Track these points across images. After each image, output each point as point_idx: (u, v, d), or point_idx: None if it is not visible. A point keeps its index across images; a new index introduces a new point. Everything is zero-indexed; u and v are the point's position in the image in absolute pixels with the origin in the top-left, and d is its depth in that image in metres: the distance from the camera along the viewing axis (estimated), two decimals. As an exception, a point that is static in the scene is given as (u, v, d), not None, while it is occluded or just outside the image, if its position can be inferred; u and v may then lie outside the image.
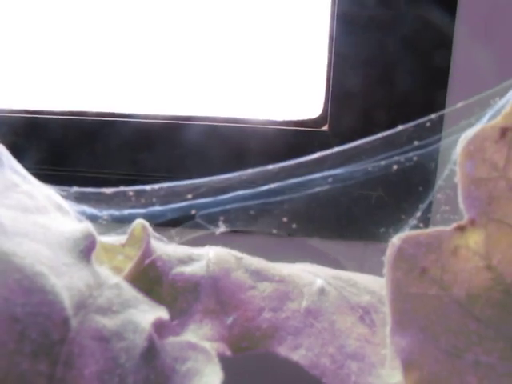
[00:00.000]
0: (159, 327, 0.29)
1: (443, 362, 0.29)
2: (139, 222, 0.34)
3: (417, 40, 0.73)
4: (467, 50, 0.72)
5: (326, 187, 0.40)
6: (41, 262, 0.27)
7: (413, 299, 0.30)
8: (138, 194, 0.39)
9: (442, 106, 0.74)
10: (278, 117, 0.79)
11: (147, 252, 0.33)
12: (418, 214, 0.35)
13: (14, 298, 0.25)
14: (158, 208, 0.39)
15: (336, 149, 0.39)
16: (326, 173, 0.39)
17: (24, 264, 0.26)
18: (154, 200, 0.39)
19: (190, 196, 0.39)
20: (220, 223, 0.39)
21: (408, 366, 0.29)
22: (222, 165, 0.78)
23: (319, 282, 0.36)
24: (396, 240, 0.30)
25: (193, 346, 0.29)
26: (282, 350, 0.32)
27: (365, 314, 0.36)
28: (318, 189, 0.40)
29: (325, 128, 0.77)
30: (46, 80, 0.82)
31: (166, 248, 0.35)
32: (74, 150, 0.79)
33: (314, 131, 0.77)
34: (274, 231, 0.44)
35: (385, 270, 0.30)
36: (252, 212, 0.41)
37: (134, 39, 0.80)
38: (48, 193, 0.34)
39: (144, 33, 0.80)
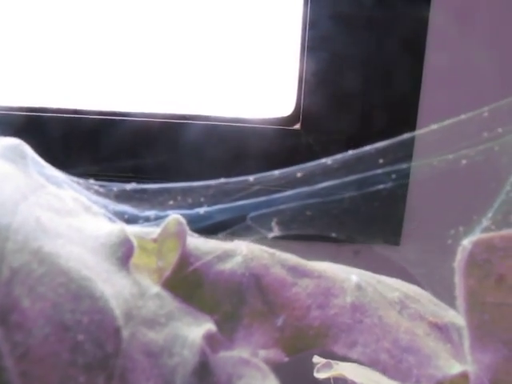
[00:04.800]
0: (210, 341, 0.24)
1: (534, 379, 0.25)
2: (174, 217, 0.28)
3: (392, 37, 0.69)
4: (439, 52, 0.69)
5: (390, 185, 0.35)
6: (86, 266, 0.22)
7: (491, 309, 0.25)
8: (185, 192, 0.34)
9: (416, 106, 0.70)
10: (250, 115, 0.75)
11: (184, 256, 0.28)
12: (489, 214, 0.30)
13: (62, 304, 0.20)
14: (205, 209, 0.34)
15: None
16: (389, 168, 0.34)
17: (69, 267, 0.22)
18: (202, 200, 0.34)
19: (241, 196, 0.34)
20: (273, 225, 0.34)
21: (495, 385, 0.25)
22: (191, 162, 0.73)
23: (354, 278, 0.32)
24: (467, 244, 0.25)
25: (246, 362, 0.25)
26: (338, 349, 0.28)
27: (401, 309, 0.32)
28: (381, 186, 0.35)
29: (297, 126, 0.73)
30: (42, 78, 0.77)
31: (198, 242, 0.30)
32: (70, 150, 0.73)
33: (286, 129, 0.73)
34: (334, 235, 0.39)
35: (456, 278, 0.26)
36: (309, 213, 0.36)
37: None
38: (74, 195, 0.29)
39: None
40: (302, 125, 0.73)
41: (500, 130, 0.32)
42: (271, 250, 0.31)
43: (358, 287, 0.31)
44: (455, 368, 0.28)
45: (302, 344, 0.28)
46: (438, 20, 0.68)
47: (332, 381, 0.44)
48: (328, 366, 0.44)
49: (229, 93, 0.77)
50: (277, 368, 0.27)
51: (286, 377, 0.26)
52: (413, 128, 0.70)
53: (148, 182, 0.72)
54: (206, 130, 0.72)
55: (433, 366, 0.28)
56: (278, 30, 0.75)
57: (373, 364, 0.27)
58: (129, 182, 0.61)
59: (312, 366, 0.45)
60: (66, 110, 0.75)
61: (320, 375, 0.44)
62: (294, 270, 0.30)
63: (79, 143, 0.74)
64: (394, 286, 0.34)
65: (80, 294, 0.21)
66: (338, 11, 0.69)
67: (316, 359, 0.46)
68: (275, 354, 0.27)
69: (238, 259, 0.30)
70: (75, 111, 0.74)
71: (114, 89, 0.77)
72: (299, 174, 0.35)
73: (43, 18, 0.76)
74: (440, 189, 0.68)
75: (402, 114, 0.71)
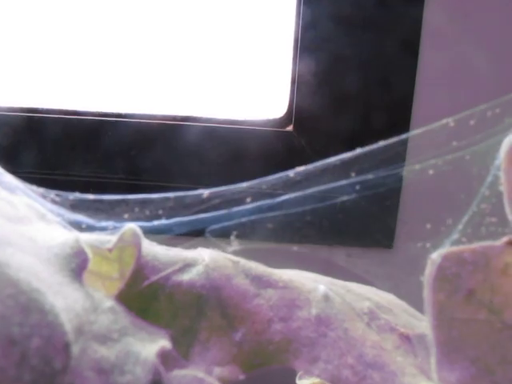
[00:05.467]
0: (163, 358, 0.24)
1: (502, 399, 0.25)
2: (130, 227, 0.28)
3: (386, 38, 0.69)
4: (434, 52, 0.69)
5: (354, 195, 0.35)
6: (37, 277, 0.22)
7: (459, 325, 0.25)
8: (143, 204, 0.33)
9: (410, 107, 0.70)
10: (241, 116, 0.75)
11: (140, 268, 0.28)
12: (460, 226, 0.30)
13: (9, 316, 0.20)
14: (163, 222, 0.33)
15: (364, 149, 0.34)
16: (354, 179, 0.34)
17: (19, 278, 0.21)
18: (161, 212, 0.34)
19: (200, 208, 0.34)
20: (232, 239, 0.33)
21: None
22: (182, 165, 0.73)
23: (322, 288, 0.31)
24: (436, 257, 0.25)
25: (200, 381, 0.24)
26: (300, 365, 0.28)
27: (370, 321, 0.32)
28: (345, 197, 0.35)
29: (289, 128, 0.73)
30: (40, 78, 0.77)
31: (156, 251, 0.30)
32: (66, 152, 0.73)
33: (278, 131, 0.73)
34: (295, 248, 0.39)
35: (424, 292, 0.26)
36: (270, 225, 0.35)
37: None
38: (28, 201, 0.29)
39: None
40: (294, 127, 0.73)
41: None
42: (236, 259, 0.31)
43: (326, 298, 0.31)
44: (420, 385, 0.28)
45: (261, 360, 0.27)
46: (433, 19, 0.68)
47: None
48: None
49: (221, 94, 0.77)
50: (258, 374, 0.27)
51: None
52: (406, 129, 0.70)
53: (140, 184, 0.72)
54: (197, 132, 0.72)
55: (397, 384, 0.28)
56: (270, 31, 0.75)
57: (334, 381, 0.27)
58: (122, 183, 0.60)
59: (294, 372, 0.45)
60: (62, 110, 0.75)
61: (302, 382, 0.44)
62: (258, 280, 0.30)
63: (73, 144, 0.74)
64: (365, 296, 0.34)
65: (29, 306, 0.21)
66: (331, 13, 0.69)
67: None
68: (231, 371, 0.27)
69: (199, 269, 0.29)
70: (70, 112, 0.74)
71: (106, 90, 0.77)
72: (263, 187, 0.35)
73: (43, 18, 0.76)
74: (434, 191, 0.69)
75: (395, 115, 0.71)
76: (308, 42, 0.70)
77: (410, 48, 0.69)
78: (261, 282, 0.30)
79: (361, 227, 0.70)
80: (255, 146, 0.72)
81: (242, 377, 0.27)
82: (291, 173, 0.35)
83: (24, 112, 0.73)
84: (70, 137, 0.74)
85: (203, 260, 0.30)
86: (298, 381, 0.44)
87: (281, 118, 0.74)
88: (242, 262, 0.31)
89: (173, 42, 0.76)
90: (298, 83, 0.71)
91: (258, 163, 0.72)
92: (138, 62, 0.76)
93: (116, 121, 0.73)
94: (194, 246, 0.31)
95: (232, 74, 0.77)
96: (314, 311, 0.30)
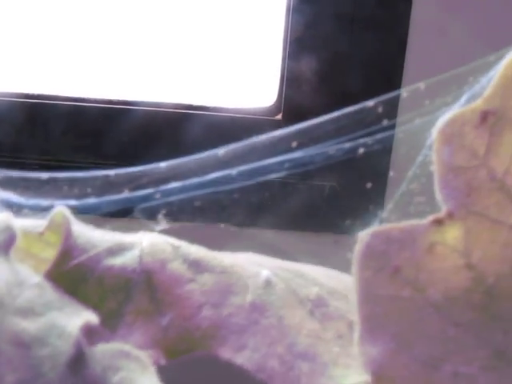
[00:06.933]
0: (88, 332, 0.25)
1: (418, 373, 0.26)
2: (59, 210, 0.29)
3: (372, 26, 0.70)
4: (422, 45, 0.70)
5: (283, 173, 0.36)
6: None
7: (383, 302, 0.26)
8: (71, 182, 0.35)
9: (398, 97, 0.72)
10: (230, 104, 0.77)
11: (67, 250, 0.29)
12: (390, 205, 0.31)
13: None
14: (92, 200, 0.35)
15: (288, 129, 0.35)
16: (281, 157, 0.35)
17: None
18: (89, 190, 0.35)
19: (128, 187, 0.35)
20: (161, 217, 0.35)
21: (378, 379, 0.26)
22: (169, 153, 0.75)
23: (265, 273, 0.32)
24: (364, 235, 0.27)
25: (125, 354, 0.26)
26: (224, 352, 0.29)
27: (314, 308, 0.33)
28: (273, 175, 0.36)
29: (278, 117, 0.75)
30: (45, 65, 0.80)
31: (92, 235, 0.31)
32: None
33: (267, 120, 0.75)
34: (222, 225, 0.40)
35: (352, 269, 0.27)
36: (198, 203, 0.37)
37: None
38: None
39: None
40: (283, 115, 0.75)
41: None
42: (178, 243, 0.32)
43: (267, 283, 0.32)
44: (350, 378, 0.29)
45: (186, 346, 0.29)
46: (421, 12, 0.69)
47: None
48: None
49: (211, 82, 0.79)
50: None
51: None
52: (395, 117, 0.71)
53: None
54: (186, 119, 0.74)
55: (326, 376, 0.29)
56: (260, 21, 0.77)
57: (258, 371, 0.28)
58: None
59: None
60: (63, 97, 0.77)
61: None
62: (196, 265, 0.31)
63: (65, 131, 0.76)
64: (317, 281, 0.34)
65: None
66: (320, 2, 0.70)
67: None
68: (153, 355, 0.28)
69: (135, 253, 0.30)
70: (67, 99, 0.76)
71: (101, 78, 0.79)
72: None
73: (48, 3, 0.78)
74: (421, 175, 0.69)
75: (384, 106, 0.72)
76: (298, 32, 0.71)
77: (400, 35, 0.70)
78: (199, 266, 0.31)
79: (348, 214, 0.71)
80: (244, 134, 0.74)
81: (163, 362, 0.28)
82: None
83: (29, 99, 0.75)
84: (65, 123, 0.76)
85: (141, 244, 0.31)
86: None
87: (270, 107, 0.76)
88: (184, 246, 0.32)
89: (164, 31, 0.78)
90: (287, 72, 0.73)
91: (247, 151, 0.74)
92: (130, 51, 0.78)
93: (108, 107, 0.75)
94: (123, 227, 0.33)
95: (222, 63, 0.78)
96: (249, 297, 0.31)
